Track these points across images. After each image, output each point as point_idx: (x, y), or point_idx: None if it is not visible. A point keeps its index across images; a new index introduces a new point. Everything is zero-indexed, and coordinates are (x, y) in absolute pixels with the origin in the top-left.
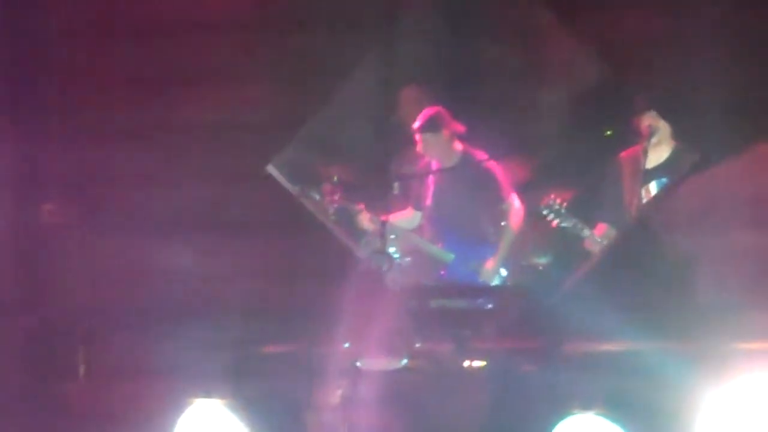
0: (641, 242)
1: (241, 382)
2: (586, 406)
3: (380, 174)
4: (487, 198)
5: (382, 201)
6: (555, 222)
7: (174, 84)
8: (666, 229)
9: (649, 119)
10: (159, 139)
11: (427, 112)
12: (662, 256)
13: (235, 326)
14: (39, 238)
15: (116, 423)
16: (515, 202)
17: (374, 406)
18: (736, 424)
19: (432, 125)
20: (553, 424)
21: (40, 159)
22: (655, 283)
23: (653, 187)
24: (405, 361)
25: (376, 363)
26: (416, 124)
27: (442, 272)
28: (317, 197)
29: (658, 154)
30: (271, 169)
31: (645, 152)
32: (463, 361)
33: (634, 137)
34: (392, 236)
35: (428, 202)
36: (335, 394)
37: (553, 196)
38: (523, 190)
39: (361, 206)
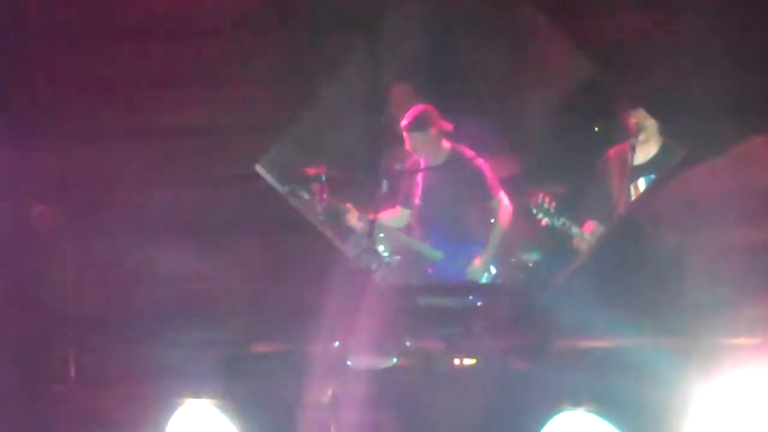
0: (630, 239)
1: (231, 381)
2: (576, 402)
3: (368, 172)
4: (475, 196)
5: (370, 199)
6: (544, 221)
7: (163, 86)
8: (654, 226)
9: (637, 116)
10: (148, 141)
11: (415, 110)
12: (651, 253)
13: (225, 326)
14: (29, 241)
15: (107, 424)
16: (503, 200)
17: (364, 404)
18: (726, 419)
19: (420, 123)
20: (544, 422)
21: (30, 162)
22: (644, 279)
23: (641, 184)
24: (395, 359)
25: (366, 361)
26: (404, 123)
27: (430, 270)
28: (306, 196)
29: (646, 150)
30: (259, 168)
31: (633, 149)
32: (453, 358)
33: (621, 134)
34: (380, 235)
35: (416, 200)
36: (325, 393)
37: (541, 195)
38: (511, 188)
39: (349, 205)
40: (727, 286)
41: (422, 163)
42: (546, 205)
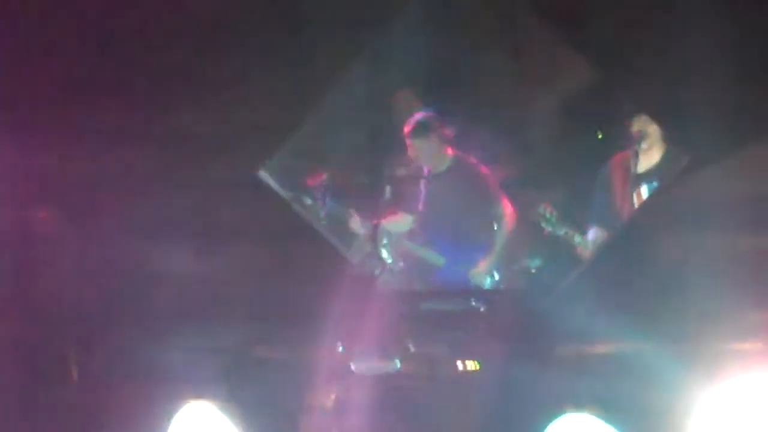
0: (632, 246)
1: (234, 384)
2: (579, 407)
3: (372, 178)
4: (478, 202)
5: (373, 205)
6: (546, 229)
7: (168, 89)
8: (657, 233)
9: (640, 123)
10: (152, 143)
11: (418, 116)
12: (653, 259)
13: (228, 329)
14: (32, 242)
15: (109, 425)
16: (506, 206)
17: (368, 408)
18: (729, 424)
19: (422, 130)
20: (547, 426)
21: (32, 163)
22: (646, 285)
23: (644, 191)
24: (398, 364)
25: (369, 366)
26: (406, 129)
27: (433, 276)
28: (309, 202)
29: (649, 157)
30: (262, 174)
31: (635, 156)
32: (456, 363)
33: (624, 141)
34: (384, 240)
35: (419, 206)
36: (329, 397)
37: (543, 205)
38: (514, 194)
39: (353, 210)
40: (731, 291)
41: (425, 170)
42: (548, 215)
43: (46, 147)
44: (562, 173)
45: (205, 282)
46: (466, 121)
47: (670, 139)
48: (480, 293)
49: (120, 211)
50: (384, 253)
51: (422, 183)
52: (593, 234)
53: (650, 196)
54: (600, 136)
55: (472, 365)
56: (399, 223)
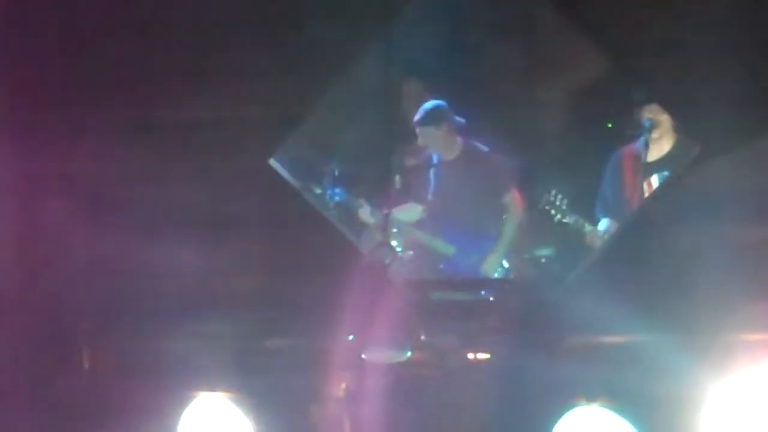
0: (643, 236)
1: (245, 375)
2: (590, 398)
3: (382, 168)
4: (488, 191)
5: (383, 195)
6: (556, 218)
7: (174, 80)
8: (667, 222)
9: (651, 112)
10: (159, 135)
11: (428, 105)
12: (664, 250)
13: (239, 320)
14: (40, 236)
15: (121, 418)
16: (516, 195)
17: (378, 398)
18: (739, 415)
19: (432, 118)
20: (557, 417)
21: (40, 158)
22: (657, 275)
23: (655, 181)
24: (409, 353)
25: (380, 355)
26: (417, 117)
27: (443, 265)
28: (319, 191)
29: (660, 147)
30: (273, 163)
31: (646, 145)
32: (467, 353)
33: (635, 131)
34: (394, 230)
35: (429, 195)
36: (339, 387)
37: (554, 192)
38: (524, 184)
39: (363, 200)
40: (741, 282)
41: (435, 159)
42: (558, 202)
43: (50, 142)
44: (573, 163)
45: (215, 273)
46: (476, 110)
47: (681, 128)
48: (490, 283)
49: (128, 205)
50: (394, 243)
51: (432, 172)
52: (603, 224)
53: (661, 187)
54: (611, 126)
55: (483, 355)
56: (409, 212)
